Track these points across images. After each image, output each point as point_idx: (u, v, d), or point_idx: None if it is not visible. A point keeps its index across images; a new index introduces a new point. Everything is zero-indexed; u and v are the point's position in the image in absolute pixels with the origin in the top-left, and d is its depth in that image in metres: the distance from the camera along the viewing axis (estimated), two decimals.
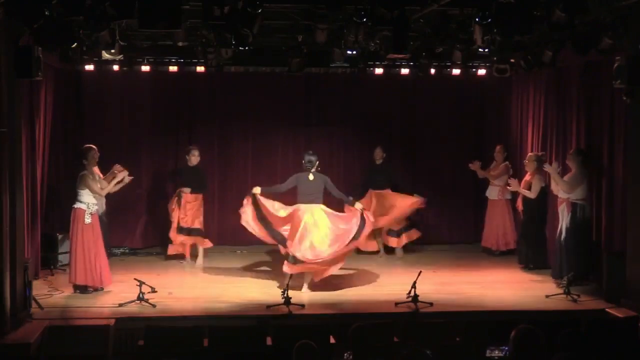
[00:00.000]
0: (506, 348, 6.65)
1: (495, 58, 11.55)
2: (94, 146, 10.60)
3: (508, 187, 12.48)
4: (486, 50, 9.84)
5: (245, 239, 13.81)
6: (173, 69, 12.44)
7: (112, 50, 9.44)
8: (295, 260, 10.20)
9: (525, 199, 11.90)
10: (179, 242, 12.26)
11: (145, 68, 12.25)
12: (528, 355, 4.65)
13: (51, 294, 10.15)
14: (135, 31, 9.68)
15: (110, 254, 12.17)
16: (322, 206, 10.63)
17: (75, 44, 8.67)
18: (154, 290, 9.95)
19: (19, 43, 8.42)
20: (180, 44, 9.83)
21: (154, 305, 9.45)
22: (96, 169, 10.77)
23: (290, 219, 10.56)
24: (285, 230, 10.58)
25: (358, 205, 10.62)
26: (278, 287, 10.29)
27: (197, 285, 10.89)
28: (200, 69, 12.34)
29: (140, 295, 9.51)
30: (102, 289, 10.24)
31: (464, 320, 8.53)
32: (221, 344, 7.77)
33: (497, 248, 13.11)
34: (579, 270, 10.49)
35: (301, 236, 10.22)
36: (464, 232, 14.22)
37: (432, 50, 10.80)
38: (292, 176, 10.84)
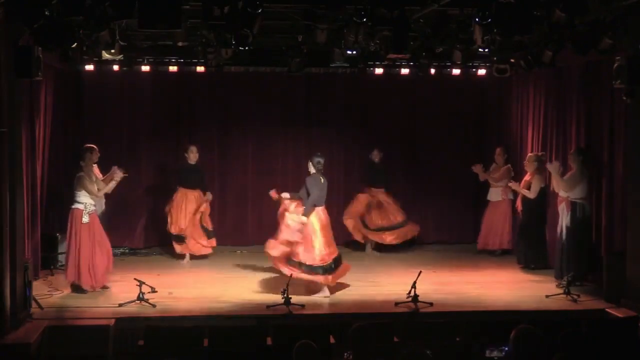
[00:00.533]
0: (506, 348, 6.64)
1: (495, 58, 11.54)
2: (94, 146, 10.61)
3: (509, 184, 12.49)
4: (486, 50, 9.83)
5: (245, 239, 13.87)
6: (173, 69, 12.45)
7: (112, 50, 9.44)
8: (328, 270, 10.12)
9: (524, 199, 11.91)
10: (205, 244, 12.55)
11: (145, 68, 12.25)
12: (528, 355, 4.65)
13: (51, 294, 10.16)
14: (135, 31, 9.67)
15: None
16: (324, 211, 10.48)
17: (75, 44, 8.66)
18: (154, 290, 9.95)
19: (19, 43, 8.42)
20: (180, 44, 9.83)
21: (154, 305, 9.45)
22: (96, 169, 10.77)
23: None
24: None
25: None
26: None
27: (197, 285, 10.89)
28: (200, 69, 12.34)
29: (140, 295, 9.52)
30: (100, 289, 10.25)
31: (464, 320, 8.54)
32: (221, 344, 7.77)
33: (495, 248, 13.11)
34: (579, 270, 10.50)
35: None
36: (464, 232, 14.21)
37: (432, 50, 10.79)
38: (308, 181, 10.32)
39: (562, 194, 10.83)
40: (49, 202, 11.73)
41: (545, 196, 11.80)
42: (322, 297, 10.09)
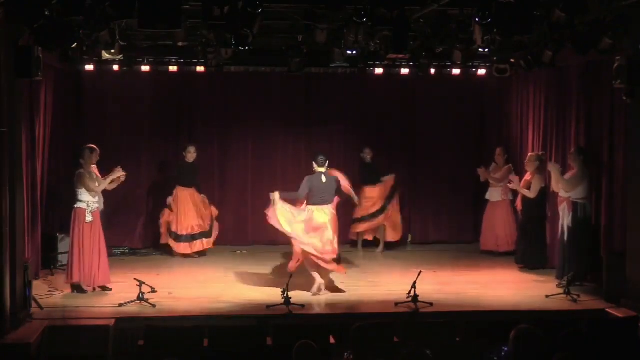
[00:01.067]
0: (506, 348, 6.64)
1: (495, 58, 11.55)
2: (94, 146, 10.61)
3: (509, 185, 12.48)
4: (486, 50, 9.83)
5: (245, 239, 13.87)
6: (173, 69, 12.45)
7: (112, 50, 9.44)
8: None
9: (524, 199, 11.91)
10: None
11: (145, 68, 12.25)
12: (528, 355, 4.65)
13: (51, 294, 10.16)
14: (135, 31, 9.67)
15: (110, 254, 12.19)
16: (331, 208, 10.44)
17: (75, 44, 8.66)
18: (154, 290, 9.95)
19: (19, 43, 8.42)
20: (180, 44, 9.83)
21: (154, 305, 9.45)
22: (95, 170, 10.76)
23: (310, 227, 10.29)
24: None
25: None
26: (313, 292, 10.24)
27: (197, 285, 10.89)
28: (200, 69, 12.34)
29: (140, 295, 9.51)
30: (100, 288, 10.25)
31: (464, 320, 8.54)
32: (221, 344, 7.78)
33: (499, 249, 13.09)
34: (580, 270, 10.49)
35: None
36: (464, 232, 14.21)
37: (432, 50, 10.79)
38: (304, 180, 10.40)
39: (563, 194, 10.83)
40: (49, 202, 11.72)
41: (545, 196, 11.80)
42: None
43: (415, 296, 9.46)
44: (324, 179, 10.40)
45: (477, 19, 8.13)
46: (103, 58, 10.34)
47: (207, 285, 10.91)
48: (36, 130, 10.80)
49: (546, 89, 12.26)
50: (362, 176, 13.37)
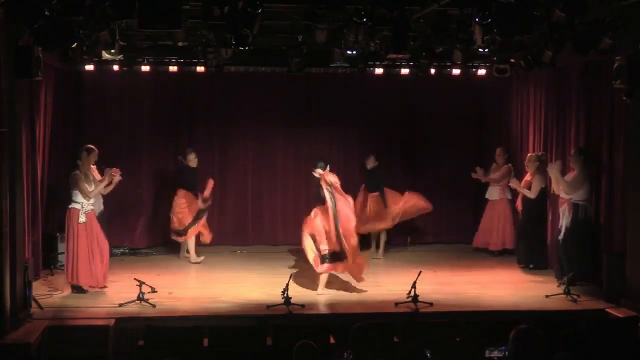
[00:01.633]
0: (506, 348, 6.64)
1: (495, 58, 11.54)
2: (92, 147, 10.61)
3: (509, 185, 12.49)
4: (486, 50, 9.84)
5: (245, 239, 13.86)
6: (173, 69, 12.45)
7: (112, 50, 9.44)
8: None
9: (524, 199, 11.91)
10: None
11: (145, 68, 12.25)
12: (528, 356, 4.64)
13: (51, 294, 10.16)
14: (135, 31, 9.67)
15: (110, 254, 12.18)
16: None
17: (75, 44, 8.66)
18: (154, 290, 9.96)
19: (19, 43, 8.41)
20: (180, 44, 9.83)
21: (154, 305, 9.45)
22: (94, 170, 10.77)
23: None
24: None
25: None
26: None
27: (197, 285, 10.90)
28: (200, 69, 12.34)
29: (140, 295, 9.52)
30: (99, 289, 10.25)
31: (464, 320, 8.54)
32: (221, 344, 7.78)
33: (490, 248, 13.11)
34: (580, 270, 10.49)
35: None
36: (464, 232, 14.20)
37: (432, 50, 10.79)
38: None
39: (564, 195, 10.82)
40: (49, 202, 11.72)
41: (546, 196, 11.80)
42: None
43: (415, 296, 9.46)
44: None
45: (477, 19, 8.13)
46: (103, 58, 10.34)
47: (207, 285, 10.91)
48: (36, 130, 10.80)
49: (546, 89, 12.26)
50: (364, 182, 13.23)
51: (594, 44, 9.18)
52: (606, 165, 10.37)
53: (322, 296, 10.22)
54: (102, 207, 11.44)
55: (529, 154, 12.15)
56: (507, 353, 6.81)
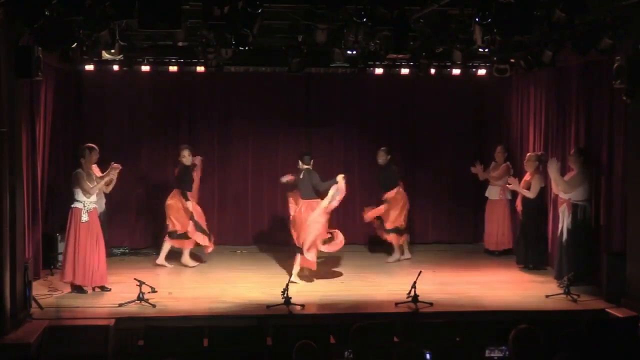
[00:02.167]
0: (506, 348, 6.64)
1: (495, 58, 11.55)
2: (94, 146, 10.61)
3: (508, 186, 12.49)
4: (486, 50, 9.84)
5: (245, 239, 13.86)
6: (173, 69, 12.46)
7: (112, 50, 9.43)
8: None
9: (524, 199, 11.91)
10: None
11: (145, 68, 12.27)
12: (528, 356, 4.64)
13: (51, 294, 10.16)
14: (135, 31, 9.68)
15: (110, 254, 12.17)
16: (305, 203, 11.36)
17: (75, 44, 8.66)
18: (154, 290, 9.95)
19: (19, 43, 8.42)
20: (180, 44, 9.83)
21: (154, 305, 9.45)
22: (96, 169, 10.77)
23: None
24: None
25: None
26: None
27: (197, 285, 10.89)
28: (200, 69, 12.35)
29: (140, 295, 9.52)
30: (99, 288, 10.25)
31: (464, 320, 8.54)
32: (221, 344, 7.78)
33: (496, 248, 13.12)
34: (579, 270, 10.49)
35: None
36: (464, 232, 14.21)
37: (432, 50, 10.79)
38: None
39: (563, 195, 10.82)
40: (49, 202, 11.72)
41: (545, 196, 11.80)
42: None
43: (415, 296, 9.46)
44: (301, 175, 11.41)
45: (477, 19, 8.13)
46: (103, 58, 10.33)
47: (207, 285, 10.91)
48: (36, 130, 10.80)
49: (546, 89, 12.26)
50: (377, 181, 12.87)
51: (594, 44, 9.18)
52: (606, 166, 10.37)
53: (322, 296, 10.22)
54: (104, 207, 11.44)
55: (528, 154, 12.15)
56: (507, 353, 6.83)
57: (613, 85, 9.11)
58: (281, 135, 14.04)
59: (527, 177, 11.97)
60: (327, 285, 10.90)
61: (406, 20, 8.56)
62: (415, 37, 9.97)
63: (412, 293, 9.49)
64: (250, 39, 8.71)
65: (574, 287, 10.01)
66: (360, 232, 13.95)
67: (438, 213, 14.25)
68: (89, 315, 9.25)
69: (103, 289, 10.33)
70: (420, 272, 9.82)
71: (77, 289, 10.15)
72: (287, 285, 9.37)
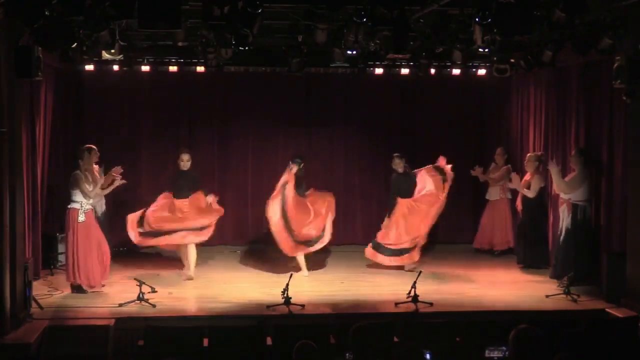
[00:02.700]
0: (506, 348, 6.64)
1: (495, 58, 11.55)
2: (93, 146, 10.61)
3: (509, 183, 12.47)
4: (486, 50, 9.83)
5: (245, 239, 13.86)
6: (173, 69, 12.45)
7: (112, 50, 9.43)
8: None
9: (524, 198, 11.91)
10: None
11: (145, 68, 12.26)
12: (528, 356, 4.64)
13: (51, 294, 10.16)
14: (135, 31, 9.68)
15: (110, 254, 12.16)
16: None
17: (75, 44, 8.66)
18: (154, 290, 9.95)
19: (19, 43, 8.41)
20: (180, 44, 9.83)
21: (154, 305, 9.45)
22: (96, 170, 10.76)
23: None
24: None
25: None
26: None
27: (197, 285, 10.89)
28: (200, 69, 12.34)
29: (140, 295, 9.52)
30: (98, 288, 10.25)
31: (464, 320, 8.55)
32: (221, 344, 7.78)
33: (495, 248, 13.11)
34: (579, 270, 10.49)
35: None
36: (464, 232, 14.20)
37: (432, 50, 10.80)
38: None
39: (563, 196, 10.82)
40: (49, 202, 11.72)
41: (546, 196, 11.80)
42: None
43: (415, 296, 9.46)
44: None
45: (477, 19, 8.14)
46: (103, 58, 10.32)
47: (207, 285, 10.91)
48: (36, 130, 10.80)
49: (546, 89, 12.27)
50: (395, 189, 12.18)
51: (594, 44, 9.19)
52: (606, 165, 10.37)
53: (322, 296, 10.22)
54: (104, 207, 11.44)
55: (528, 154, 12.15)
56: (507, 353, 6.82)
57: (613, 85, 9.11)
58: (281, 135, 14.04)
59: (527, 177, 11.97)
60: (327, 285, 10.90)
61: (406, 20, 8.56)
62: (415, 37, 9.97)
63: (412, 293, 9.49)
64: (250, 39, 8.71)
65: (574, 287, 10.01)
66: (360, 232, 13.96)
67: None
68: (89, 315, 9.25)
69: (101, 287, 10.33)
70: (420, 272, 9.83)
71: (77, 289, 10.15)
72: (287, 285, 9.36)
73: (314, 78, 13.62)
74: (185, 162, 11.61)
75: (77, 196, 10.06)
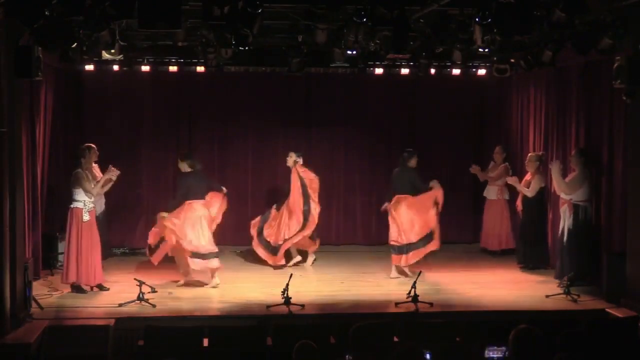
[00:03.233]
0: (506, 348, 6.63)
1: (495, 58, 11.55)
2: (93, 145, 10.62)
3: (508, 180, 12.44)
4: (486, 50, 9.83)
5: (245, 239, 13.84)
6: (173, 69, 12.45)
7: (112, 50, 9.43)
8: None
9: (524, 198, 11.91)
10: None
11: (145, 68, 12.26)
12: (528, 356, 4.64)
13: (51, 294, 10.16)
14: (135, 31, 9.67)
15: (110, 254, 12.19)
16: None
17: (75, 44, 8.66)
18: (154, 290, 9.96)
19: (19, 43, 8.41)
20: (180, 44, 9.83)
21: (154, 305, 9.46)
22: (96, 169, 10.76)
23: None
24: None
25: None
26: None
27: (197, 285, 10.88)
28: (200, 69, 12.34)
29: (140, 295, 9.52)
30: (97, 288, 10.25)
31: (464, 320, 8.54)
32: (221, 344, 7.77)
33: (495, 248, 13.12)
34: (580, 270, 10.49)
35: None
36: (463, 232, 14.20)
37: (432, 50, 10.79)
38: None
39: (564, 196, 10.82)
40: (49, 202, 11.72)
41: (546, 196, 11.80)
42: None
43: (415, 296, 9.46)
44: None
45: (477, 19, 8.14)
46: (103, 58, 10.32)
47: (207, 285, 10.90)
48: (36, 130, 10.80)
49: (546, 89, 12.27)
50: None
51: (594, 44, 9.18)
52: (606, 166, 10.37)
53: (322, 296, 10.21)
54: (103, 207, 11.44)
55: (529, 154, 12.15)
56: (507, 353, 6.82)
57: (613, 85, 9.11)
58: (281, 135, 14.03)
59: (527, 176, 11.98)
60: (327, 285, 10.90)
61: (406, 20, 8.56)
62: (415, 37, 9.97)
63: (412, 293, 9.49)
64: (250, 39, 8.71)
65: (574, 287, 10.01)
66: (360, 232, 13.96)
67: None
68: (89, 315, 9.25)
69: (101, 288, 10.32)
70: (420, 272, 9.82)
71: (77, 289, 10.15)
72: (287, 285, 9.36)
73: (314, 78, 13.61)
74: (183, 166, 11.15)
75: (80, 195, 10.05)
